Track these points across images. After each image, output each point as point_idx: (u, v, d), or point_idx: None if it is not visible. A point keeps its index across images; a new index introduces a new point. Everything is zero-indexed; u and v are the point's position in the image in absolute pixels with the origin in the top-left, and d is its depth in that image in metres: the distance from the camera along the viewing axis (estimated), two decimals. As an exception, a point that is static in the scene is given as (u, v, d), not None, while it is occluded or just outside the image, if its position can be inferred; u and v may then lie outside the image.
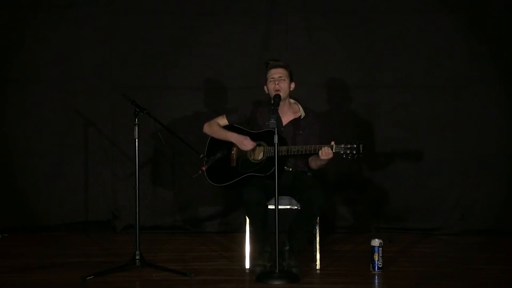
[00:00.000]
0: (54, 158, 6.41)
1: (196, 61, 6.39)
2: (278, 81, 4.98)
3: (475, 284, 4.65)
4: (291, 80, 5.04)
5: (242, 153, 5.07)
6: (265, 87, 5.07)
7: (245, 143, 5.03)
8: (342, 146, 4.77)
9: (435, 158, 6.33)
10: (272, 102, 4.87)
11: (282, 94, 4.96)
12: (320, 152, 4.78)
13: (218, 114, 5.33)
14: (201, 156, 5.12)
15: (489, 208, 6.31)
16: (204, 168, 5.02)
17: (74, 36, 6.37)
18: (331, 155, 4.78)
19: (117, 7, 6.39)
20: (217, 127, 5.16)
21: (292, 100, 5.15)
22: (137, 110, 4.84)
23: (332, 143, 4.77)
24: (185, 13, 6.39)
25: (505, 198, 6.30)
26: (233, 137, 5.07)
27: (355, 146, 4.74)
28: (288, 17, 6.38)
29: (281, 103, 4.97)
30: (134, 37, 6.40)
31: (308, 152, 4.86)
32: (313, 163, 5.01)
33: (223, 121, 5.19)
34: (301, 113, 5.10)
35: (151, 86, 6.38)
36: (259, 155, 5.03)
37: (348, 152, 4.75)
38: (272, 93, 4.99)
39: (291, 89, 5.06)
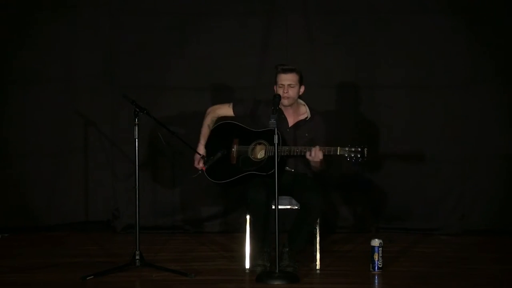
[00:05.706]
0: (54, 158, 6.40)
1: (196, 61, 6.39)
2: (287, 88, 4.95)
3: (475, 284, 4.65)
4: (301, 84, 5.01)
5: (242, 152, 5.05)
6: (275, 87, 5.01)
7: (195, 164, 5.05)
8: (347, 149, 4.75)
9: (435, 158, 6.33)
10: (273, 102, 4.81)
11: (289, 101, 4.95)
12: (307, 153, 4.77)
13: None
14: (201, 156, 5.12)
15: (489, 208, 6.31)
16: (204, 168, 5.03)
17: (74, 36, 6.37)
18: (317, 158, 4.75)
19: (117, 7, 6.38)
20: (209, 121, 5.13)
21: (300, 101, 5.09)
22: (137, 110, 4.84)
23: (317, 147, 4.75)
24: (185, 13, 6.38)
25: (505, 198, 6.30)
26: (199, 148, 5.07)
27: (360, 149, 4.73)
28: (288, 17, 6.38)
29: (288, 106, 4.98)
30: (134, 37, 6.39)
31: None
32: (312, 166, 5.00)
33: (228, 110, 5.14)
34: (308, 114, 5.06)
35: (151, 86, 6.38)
36: (260, 154, 5.02)
37: (353, 155, 4.73)
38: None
39: (300, 93, 5.03)
